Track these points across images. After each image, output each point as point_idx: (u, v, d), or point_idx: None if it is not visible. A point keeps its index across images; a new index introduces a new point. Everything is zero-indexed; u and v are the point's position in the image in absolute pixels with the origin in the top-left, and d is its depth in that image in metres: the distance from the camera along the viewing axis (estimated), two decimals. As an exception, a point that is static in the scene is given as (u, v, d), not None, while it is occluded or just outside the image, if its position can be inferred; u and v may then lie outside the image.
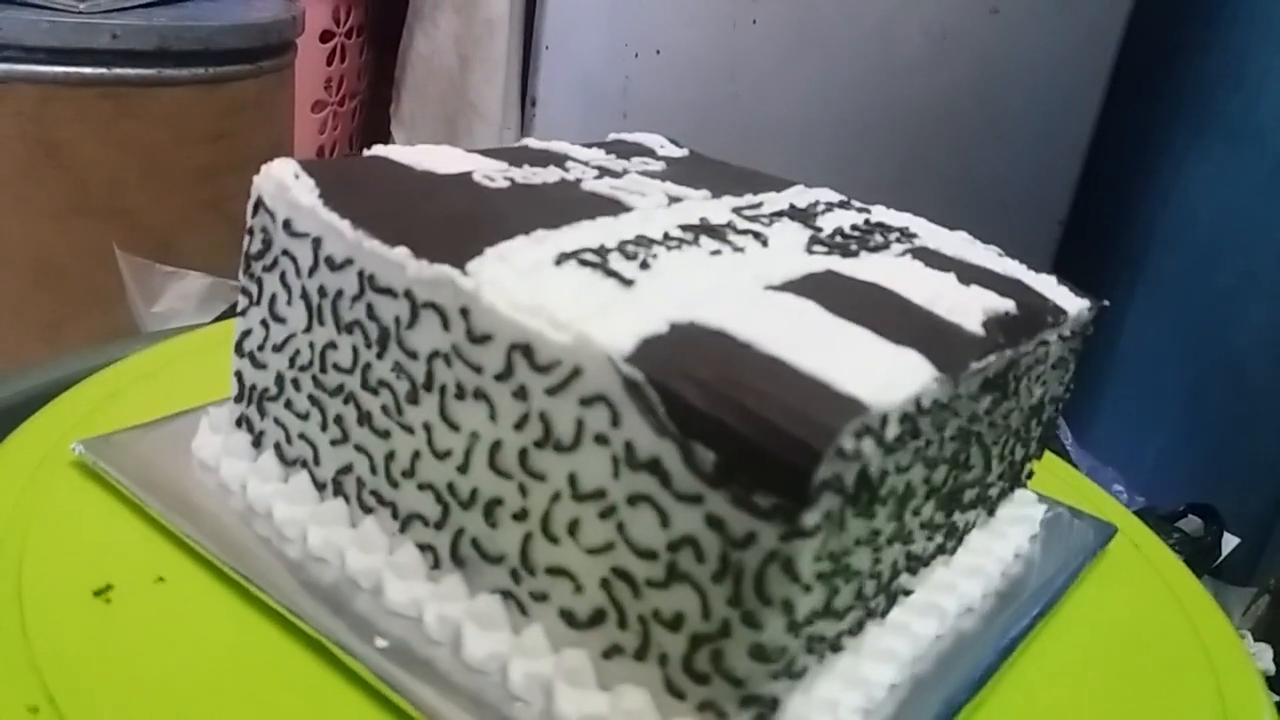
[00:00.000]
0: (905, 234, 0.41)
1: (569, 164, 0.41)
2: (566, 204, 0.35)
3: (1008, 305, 0.34)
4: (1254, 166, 1.05)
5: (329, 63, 1.20)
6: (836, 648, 0.30)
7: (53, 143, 0.75)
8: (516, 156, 0.40)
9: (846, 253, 0.36)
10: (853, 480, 0.25)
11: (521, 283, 0.28)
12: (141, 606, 0.31)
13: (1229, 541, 0.93)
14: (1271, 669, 0.79)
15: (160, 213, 0.82)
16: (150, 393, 0.43)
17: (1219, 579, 0.92)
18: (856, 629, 0.31)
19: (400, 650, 0.30)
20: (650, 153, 0.46)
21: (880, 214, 0.43)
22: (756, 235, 0.36)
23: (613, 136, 0.48)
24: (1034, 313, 0.35)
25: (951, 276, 0.35)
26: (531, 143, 0.44)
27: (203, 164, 0.84)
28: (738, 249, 0.34)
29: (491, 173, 0.37)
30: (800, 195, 0.43)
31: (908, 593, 0.34)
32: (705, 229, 0.35)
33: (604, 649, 0.28)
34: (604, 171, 0.40)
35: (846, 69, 1.12)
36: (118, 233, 0.79)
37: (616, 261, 0.30)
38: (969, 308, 0.33)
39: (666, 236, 0.33)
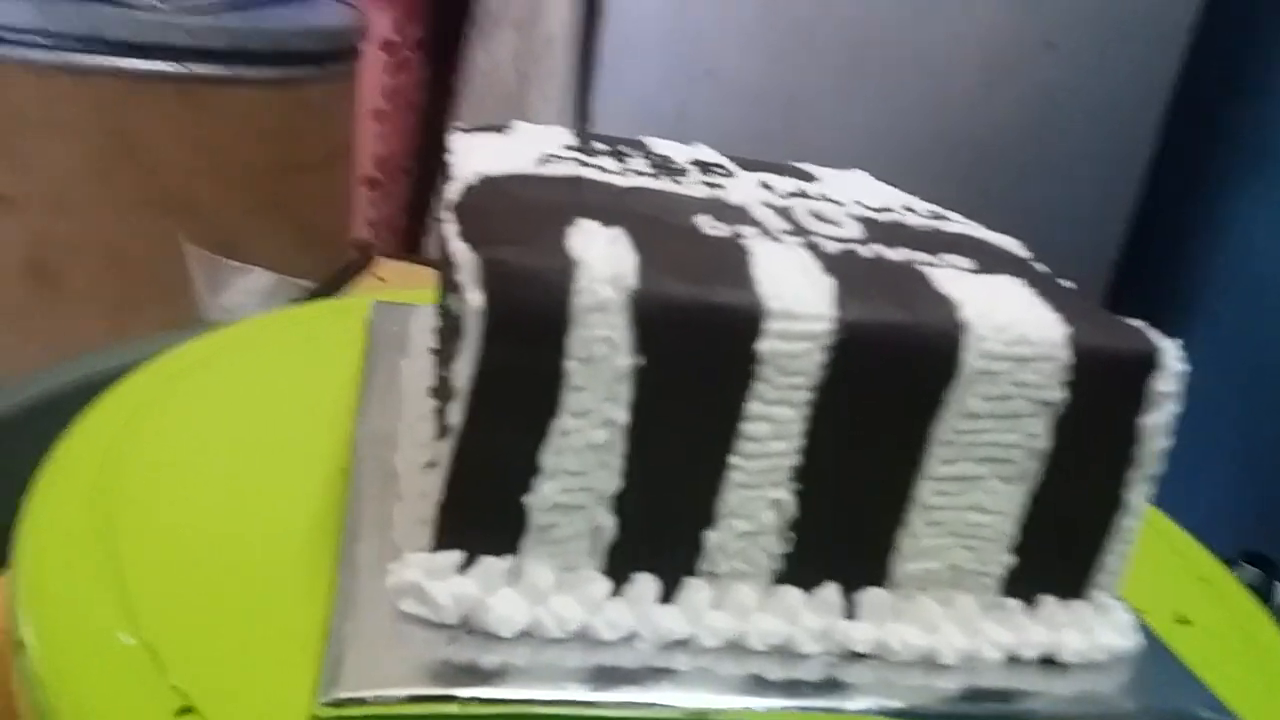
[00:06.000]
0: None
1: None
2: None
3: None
4: (1312, 209, 1.04)
5: (390, 74, 1.22)
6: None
7: (128, 136, 0.77)
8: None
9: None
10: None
11: None
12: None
13: (1282, 589, 0.91)
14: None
15: (226, 208, 0.83)
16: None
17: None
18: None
19: None
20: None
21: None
22: None
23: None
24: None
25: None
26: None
27: (269, 162, 0.85)
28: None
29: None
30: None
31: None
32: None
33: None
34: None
35: (901, 100, 1.13)
36: (185, 225, 0.80)
37: None
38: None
39: None
